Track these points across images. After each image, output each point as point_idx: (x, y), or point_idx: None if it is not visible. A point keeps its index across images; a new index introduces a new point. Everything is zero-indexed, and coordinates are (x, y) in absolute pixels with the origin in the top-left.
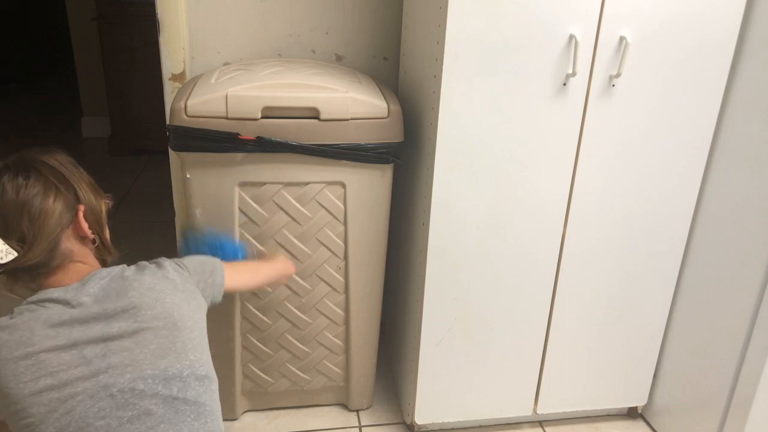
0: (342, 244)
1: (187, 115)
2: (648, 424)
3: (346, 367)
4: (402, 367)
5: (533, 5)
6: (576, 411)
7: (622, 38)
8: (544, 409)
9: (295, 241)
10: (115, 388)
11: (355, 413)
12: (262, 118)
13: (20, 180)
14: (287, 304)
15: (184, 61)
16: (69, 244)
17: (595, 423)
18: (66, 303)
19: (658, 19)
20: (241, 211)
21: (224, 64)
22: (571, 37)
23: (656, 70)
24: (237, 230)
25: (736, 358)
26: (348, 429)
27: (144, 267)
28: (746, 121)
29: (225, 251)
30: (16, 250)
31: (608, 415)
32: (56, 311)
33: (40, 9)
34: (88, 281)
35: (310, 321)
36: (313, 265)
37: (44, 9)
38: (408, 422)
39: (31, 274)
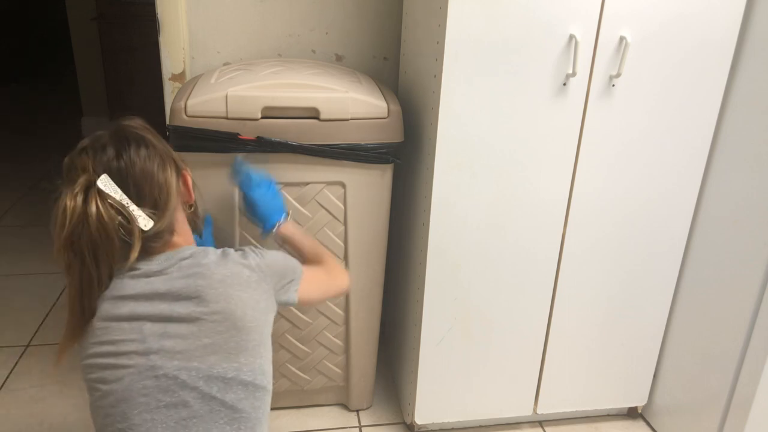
0: (342, 244)
1: (187, 115)
2: (648, 424)
3: (346, 367)
4: (402, 367)
5: (533, 5)
6: (576, 411)
7: (622, 38)
8: (544, 409)
9: None
10: (161, 371)
11: (355, 413)
12: (262, 118)
13: (143, 151)
14: None
15: (184, 61)
16: (178, 212)
17: (595, 423)
18: (143, 276)
19: (658, 19)
20: (241, 211)
21: (224, 64)
22: (571, 37)
23: (656, 70)
24: (237, 230)
25: (736, 358)
26: (348, 429)
27: (227, 255)
28: (746, 121)
29: (273, 200)
30: (151, 218)
31: (608, 415)
32: (131, 284)
33: (40, 9)
34: (171, 257)
35: (310, 321)
36: None
37: (44, 9)
38: (408, 422)
39: (148, 246)
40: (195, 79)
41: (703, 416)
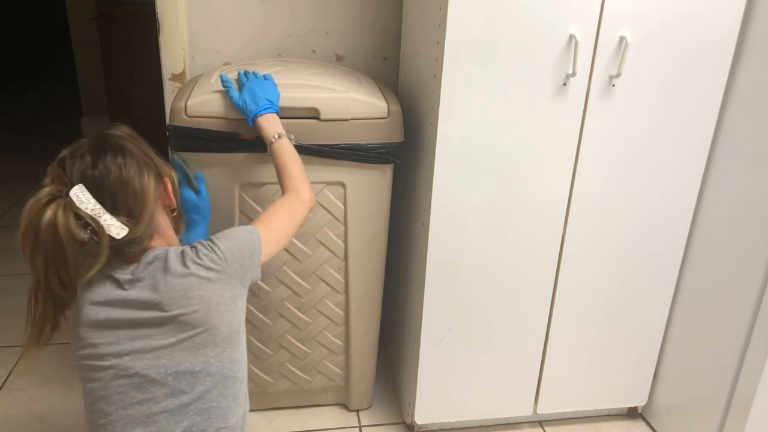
0: (342, 244)
1: (187, 115)
2: (648, 424)
3: (346, 367)
4: (402, 367)
5: (533, 5)
6: (576, 411)
7: (622, 38)
8: (544, 409)
9: (295, 241)
10: (133, 371)
11: (355, 413)
12: None
13: (119, 159)
14: (287, 304)
15: (184, 61)
16: (159, 216)
17: (595, 423)
18: (118, 285)
19: (658, 19)
20: (241, 211)
21: (224, 64)
22: (571, 37)
23: (656, 70)
24: None
25: (736, 358)
26: (348, 429)
27: (185, 257)
28: (746, 121)
29: (261, 89)
30: (126, 226)
31: (608, 415)
32: (109, 290)
33: (40, 9)
34: (141, 263)
35: (310, 321)
36: (313, 265)
37: (44, 9)
38: (408, 422)
39: (127, 251)
40: (195, 79)
41: (703, 416)
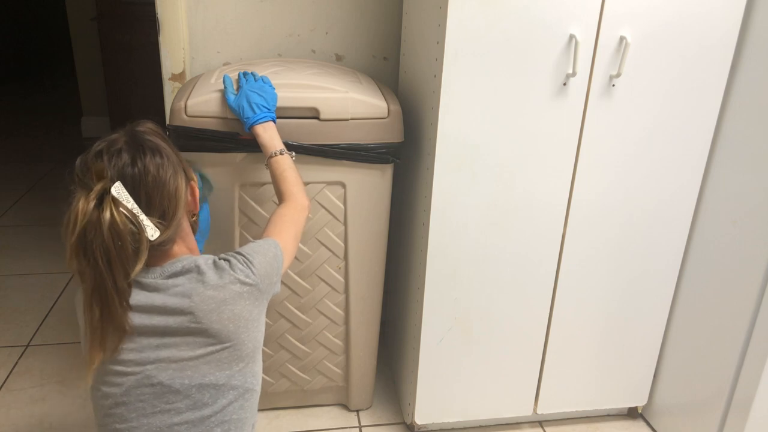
0: (342, 244)
1: (187, 115)
2: (648, 424)
3: (346, 367)
4: (402, 367)
5: (533, 5)
6: (576, 411)
7: (622, 38)
8: (544, 409)
9: None
10: (156, 380)
11: (355, 413)
12: None
13: (157, 159)
14: (287, 304)
15: (184, 61)
16: (183, 220)
17: (595, 423)
18: (142, 288)
19: (658, 19)
20: (241, 211)
21: (224, 64)
22: (571, 37)
23: (656, 70)
24: (237, 230)
25: (736, 358)
26: (348, 429)
27: (219, 269)
28: (746, 122)
29: (259, 95)
30: (158, 227)
31: (608, 415)
32: (132, 295)
33: (40, 9)
34: (166, 271)
35: (310, 321)
36: (313, 265)
37: (44, 9)
38: (408, 422)
39: (151, 253)
40: (195, 79)
41: (703, 416)
